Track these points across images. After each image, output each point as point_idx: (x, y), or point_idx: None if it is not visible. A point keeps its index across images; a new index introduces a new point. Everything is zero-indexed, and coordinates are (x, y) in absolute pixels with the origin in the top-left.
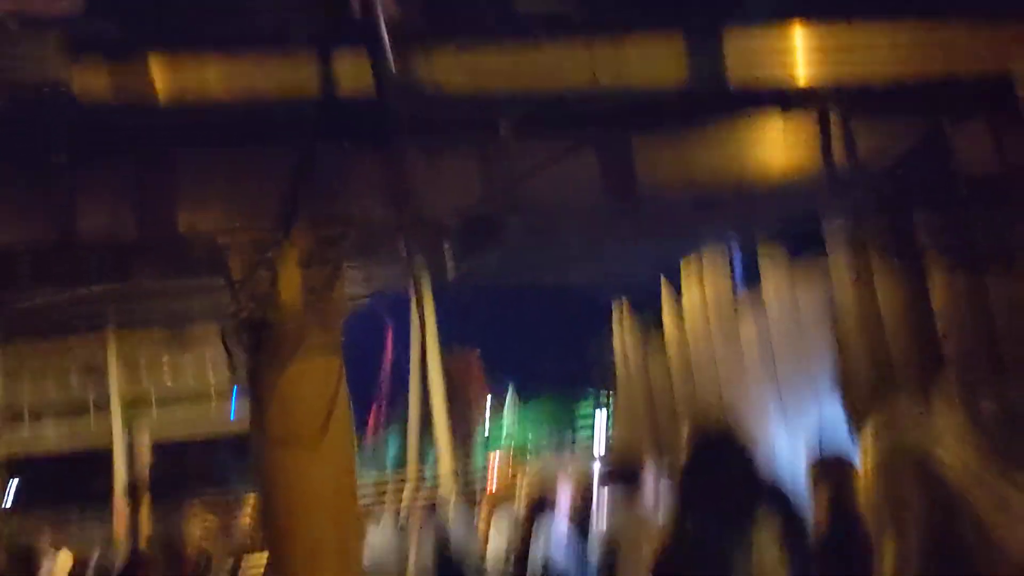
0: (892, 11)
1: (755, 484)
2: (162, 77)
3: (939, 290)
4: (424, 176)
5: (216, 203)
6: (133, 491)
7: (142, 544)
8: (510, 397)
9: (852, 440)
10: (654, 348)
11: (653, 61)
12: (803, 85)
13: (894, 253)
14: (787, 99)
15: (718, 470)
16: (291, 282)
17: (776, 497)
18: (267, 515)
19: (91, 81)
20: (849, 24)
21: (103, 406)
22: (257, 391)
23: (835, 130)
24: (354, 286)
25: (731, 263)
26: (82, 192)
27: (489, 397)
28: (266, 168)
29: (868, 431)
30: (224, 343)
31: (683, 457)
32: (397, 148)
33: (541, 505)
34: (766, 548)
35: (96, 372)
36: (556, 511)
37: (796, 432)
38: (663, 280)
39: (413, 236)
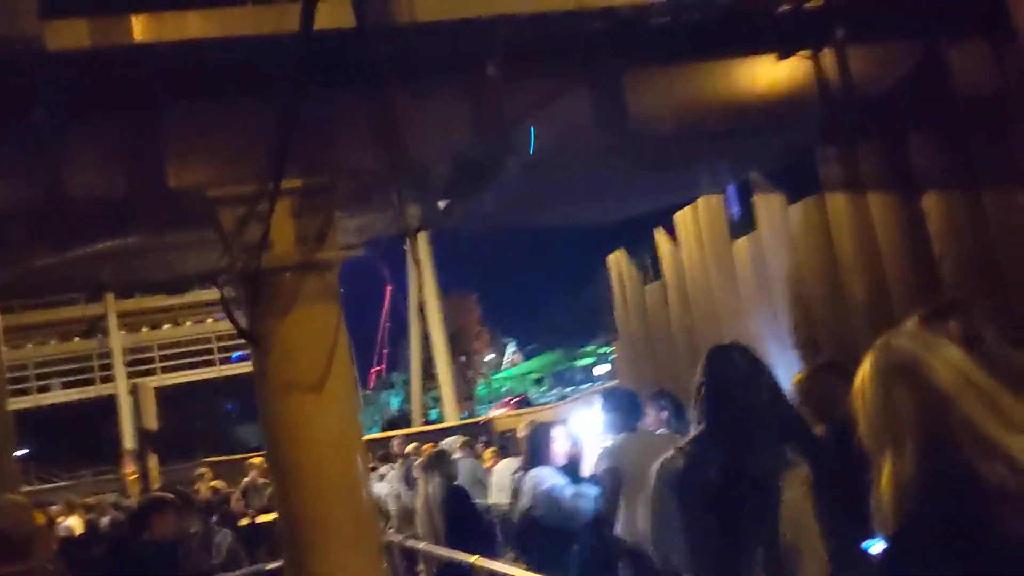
0: None
1: (773, 402)
2: (142, 26)
3: (935, 212)
4: (413, 121)
5: (204, 157)
6: (141, 444)
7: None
8: (511, 348)
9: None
10: (652, 288)
11: None
12: None
13: (890, 176)
14: (781, 23)
15: (736, 388)
16: (284, 232)
17: (792, 416)
18: (273, 462)
19: (71, 35)
20: None
21: (107, 363)
22: (257, 340)
23: (830, 55)
24: (347, 235)
25: (726, 198)
26: (69, 151)
27: (489, 339)
28: (253, 120)
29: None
30: (221, 295)
31: (700, 376)
32: (384, 93)
33: (539, 452)
34: (792, 466)
35: (99, 330)
36: (553, 458)
37: (792, 363)
38: (658, 224)
39: (405, 182)
